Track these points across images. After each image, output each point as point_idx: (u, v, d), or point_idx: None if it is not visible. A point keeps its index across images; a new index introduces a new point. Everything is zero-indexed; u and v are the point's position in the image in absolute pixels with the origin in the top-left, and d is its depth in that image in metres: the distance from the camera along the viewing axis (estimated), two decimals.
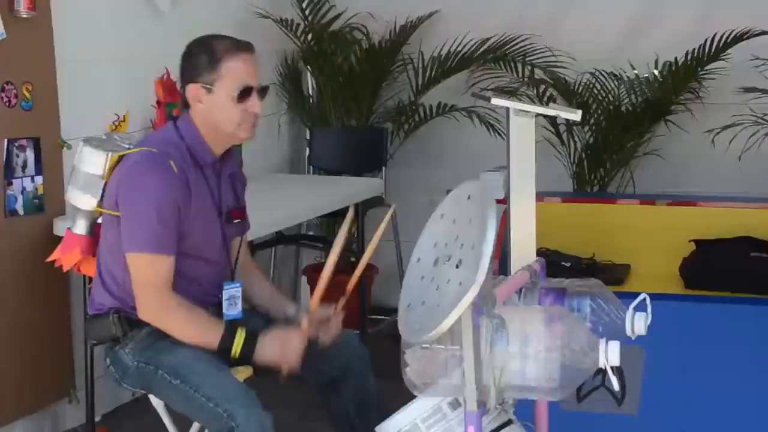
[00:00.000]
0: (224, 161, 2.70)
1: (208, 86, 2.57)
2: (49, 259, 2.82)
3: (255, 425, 2.40)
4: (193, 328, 2.56)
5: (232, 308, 2.70)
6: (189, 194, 2.57)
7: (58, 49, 3.46)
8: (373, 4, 5.02)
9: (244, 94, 2.57)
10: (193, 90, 2.59)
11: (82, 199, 2.68)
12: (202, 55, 2.58)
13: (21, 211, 3.33)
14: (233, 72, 2.56)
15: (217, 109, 2.58)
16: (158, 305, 2.55)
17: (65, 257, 2.76)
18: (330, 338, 2.66)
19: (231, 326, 2.57)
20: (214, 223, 2.66)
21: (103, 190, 2.63)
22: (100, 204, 2.64)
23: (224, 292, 2.69)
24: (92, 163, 2.65)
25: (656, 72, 4.54)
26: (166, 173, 2.52)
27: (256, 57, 2.64)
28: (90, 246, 2.75)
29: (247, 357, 2.55)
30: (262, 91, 2.63)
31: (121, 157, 2.62)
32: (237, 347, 2.54)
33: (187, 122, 2.62)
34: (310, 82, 5.17)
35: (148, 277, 2.53)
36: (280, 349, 2.56)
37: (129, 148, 2.67)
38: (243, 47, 2.60)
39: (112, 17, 3.80)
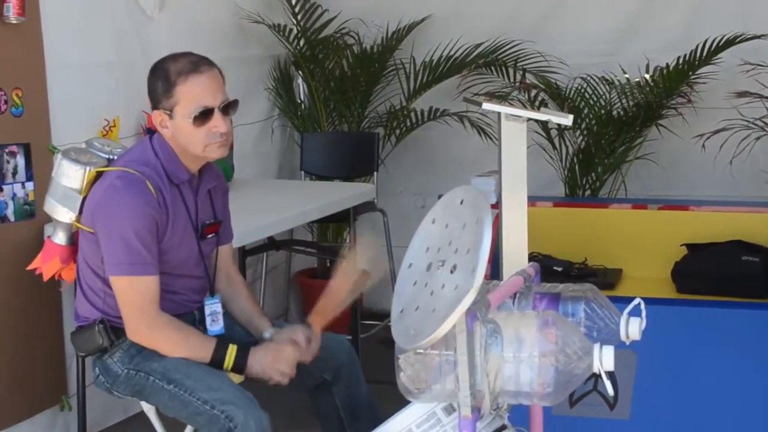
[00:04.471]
0: (202, 177, 2.69)
1: (168, 112, 2.55)
2: (29, 268, 2.82)
3: (254, 425, 2.40)
4: (183, 346, 2.56)
5: (215, 324, 2.71)
6: (166, 214, 2.56)
7: (47, 55, 3.44)
8: (365, 10, 5.02)
9: (203, 116, 2.53)
10: (157, 116, 2.58)
11: (60, 212, 2.69)
12: (159, 81, 2.55)
13: (12, 218, 3.31)
14: (187, 96, 2.52)
15: (180, 134, 2.56)
16: (146, 326, 2.55)
17: (45, 266, 2.76)
18: (310, 357, 2.66)
19: (222, 342, 2.57)
20: (191, 241, 2.66)
21: (82, 204, 2.63)
22: (78, 218, 2.64)
23: (206, 308, 2.70)
24: (70, 177, 2.65)
25: (647, 76, 4.55)
26: (143, 194, 2.51)
27: (217, 72, 2.57)
28: (70, 255, 2.75)
29: (238, 371, 2.57)
30: (227, 108, 2.58)
31: (99, 173, 2.61)
32: (228, 362, 2.55)
33: (161, 141, 2.61)
34: (302, 88, 5.17)
35: (133, 300, 2.53)
36: (272, 362, 2.57)
37: (109, 159, 2.67)
38: (197, 68, 2.53)
39: (102, 22, 3.78)
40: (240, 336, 2.74)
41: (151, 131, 2.68)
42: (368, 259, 2.70)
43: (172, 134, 2.57)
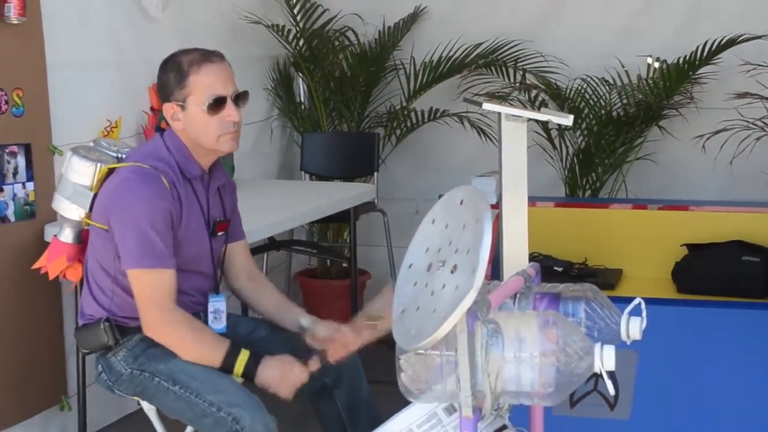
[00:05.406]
0: (213, 173, 2.69)
1: (180, 103, 2.56)
2: (35, 266, 2.81)
3: (261, 428, 2.40)
4: (195, 346, 2.55)
5: (217, 322, 2.70)
6: (180, 209, 2.56)
7: (48, 55, 3.44)
8: (362, 7, 5.01)
9: (216, 104, 2.55)
10: (168, 109, 2.59)
11: (70, 209, 2.68)
12: (171, 73, 2.57)
13: (12, 218, 3.31)
14: (200, 85, 2.54)
15: (193, 125, 2.57)
16: (162, 320, 2.53)
17: (51, 265, 2.76)
18: (338, 358, 2.63)
19: (234, 345, 2.56)
20: (204, 237, 2.66)
21: (92, 201, 2.63)
22: (89, 215, 2.64)
23: (209, 305, 2.69)
24: (80, 173, 2.64)
25: (650, 60, 4.53)
26: (158, 187, 2.51)
27: (227, 65, 2.60)
28: (76, 254, 2.75)
29: (247, 377, 2.55)
30: (238, 98, 2.60)
31: (110, 170, 2.61)
32: (239, 367, 2.53)
33: (172, 137, 2.61)
34: (302, 88, 5.17)
35: (149, 293, 2.52)
36: (279, 378, 2.54)
37: (117, 157, 2.67)
38: (209, 58, 2.57)
39: (104, 22, 3.78)
40: (242, 336, 2.74)
41: (160, 129, 2.68)
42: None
43: (184, 127, 2.58)
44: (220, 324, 2.70)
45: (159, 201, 2.50)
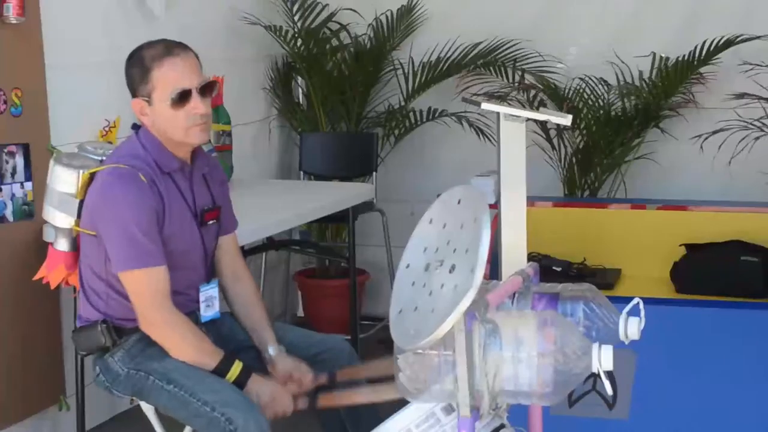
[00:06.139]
0: (195, 163, 2.67)
1: (146, 99, 2.54)
2: (36, 277, 2.81)
3: (254, 428, 2.40)
4: (191, 349, 2.54)
5: (209, 309, 2.69)
6: (162, 204, 2.55)
7: (47, 55, 3.44)
8: (358, 3, 5.01)
9: (181, 99, 2.52)
10: (136, 105, 2.57)
11: (59, 218, 2.68)
12: (135, 69, 2.55)
13: (10, 218, 3.31)
14: (163, 79, 2.51)
15: (160, 120, 2.55)
16: (161, 319, 2.53)
17: (51, 274, 2.75)
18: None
19: (229, 356, 2.56)
20: (192, 228, 2.64)
21: (79, 208, 2.62)
22: (78, 222, 2.63)
23: (201, 294, 2.68)
24: (64, 182, 2.64)
25: (658, 53, 4.52)
26: (137, 186, 2.50)
27: (192, 56, 2.56)
28: (74, 261, 2.73)
29: (238, 387, 2.54)
30: (204, 89, 2.56)
31: (92, 175, 2.60)
32: (230, 377, 2.53)
33: (146, 133, 2.60)
34: (300, 88, 5.17)
35: (145, 292, 2.51)
36: (268, 401, 2.54)
37: (101, 161, 2.66)
38: (171, 51, 2.53)
39: (103, 22, 3.79)
40: (243, 338, 2.74)
41: (135, 126, 2.67)
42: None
43: (153, 122, 2.56)
44: (212, 311, 2.69)
45: (141, 200, 2.49)
